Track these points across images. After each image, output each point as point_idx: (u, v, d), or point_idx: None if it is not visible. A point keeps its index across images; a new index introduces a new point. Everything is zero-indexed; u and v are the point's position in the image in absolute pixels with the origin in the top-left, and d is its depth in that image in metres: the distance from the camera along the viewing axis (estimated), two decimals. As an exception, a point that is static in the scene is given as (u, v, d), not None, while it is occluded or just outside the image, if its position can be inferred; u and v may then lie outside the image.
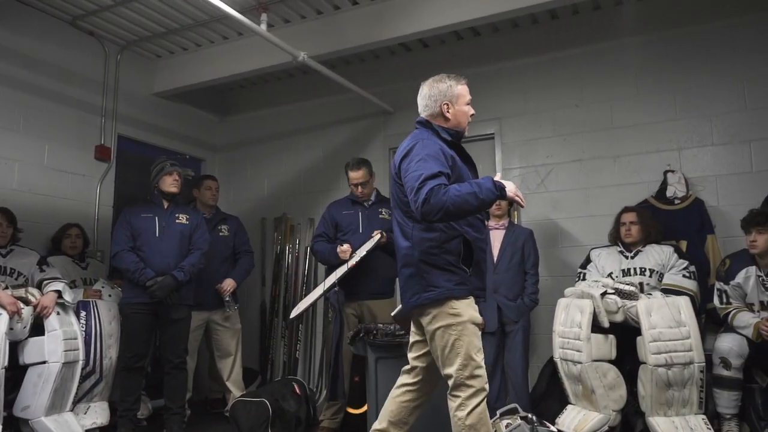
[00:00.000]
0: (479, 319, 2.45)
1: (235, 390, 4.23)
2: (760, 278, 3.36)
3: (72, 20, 4.51)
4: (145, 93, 5.22)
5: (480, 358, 2.42)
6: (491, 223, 3.97)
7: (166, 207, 3.87)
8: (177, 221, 3.85)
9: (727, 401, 3.29)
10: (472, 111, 2.64)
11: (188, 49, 5.08)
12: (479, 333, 2.45)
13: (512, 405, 3.37)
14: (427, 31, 4.22)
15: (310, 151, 5.51)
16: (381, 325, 3.17)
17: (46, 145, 4.35)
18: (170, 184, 3.83)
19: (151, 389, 4.23)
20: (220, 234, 4.42)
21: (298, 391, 3.95)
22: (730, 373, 3.27)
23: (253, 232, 5.46)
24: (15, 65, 4.17)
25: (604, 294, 3.41)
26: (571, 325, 3.46)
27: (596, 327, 3.39)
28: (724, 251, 3.78)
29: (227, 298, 4.30)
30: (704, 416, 3.22)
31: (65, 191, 4.46)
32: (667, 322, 3.24)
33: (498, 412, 3.37)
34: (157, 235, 3.77)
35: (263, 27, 3.96)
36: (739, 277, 3.40)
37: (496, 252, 3.91)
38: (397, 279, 3.98)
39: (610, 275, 3.71)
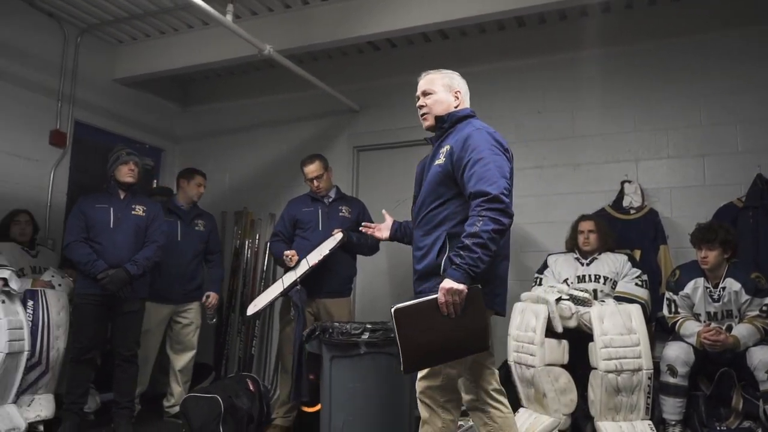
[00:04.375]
0: None
1: (183, 386, 4.18)
2: (708, 290, 3.47)
3: (31, 0, 4.36)
4: (106, 79, 5.08)
5: None
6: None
7: (122, 197, 3.77)
8: (133, 212, 3.75)
9: (672, 408, 3.38)
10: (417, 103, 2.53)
11: (151, 36, 4.96)
12: None
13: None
14: (395, 31, 4.22)
15: (273, 145, 5.45)
16: (337, 324, 3.15)
17: (-3, 127, 4.21)
18: (126, 173, 3.73)
19: (100, 382, 4.12)
20: (196, 228, 4.33)
21: (251, 387, 3.90)
22: (676, 380, 3.37)
23: (212, 225, 5.39)
24: (-33, 43, 4.02)
25: (558, 300, 3.47)
26: (525, 330, 3.50)
27: (550, 332, 3.44)
28: (676, 261, 3.88)
29: (210, 312, 4.38)
30: (650, 422, 3.30)
31: (16, 176, 4.31)
32: (618, 329, 3.31)
33: (452, 413, 3.40)
34: (111, 226, 3.67)
35: (229, 18, 3.89)
36: (688, 288, 3.50)
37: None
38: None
39: (565, 281, 3.77)
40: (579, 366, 3.49)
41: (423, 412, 2.32)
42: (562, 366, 3.43)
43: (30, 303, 3.67)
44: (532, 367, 3.41)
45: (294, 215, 3.88)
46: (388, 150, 5.03)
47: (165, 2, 4.38)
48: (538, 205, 4.43)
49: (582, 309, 3.46)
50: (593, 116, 4.37)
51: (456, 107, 2.46)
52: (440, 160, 2.35)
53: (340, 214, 3.86)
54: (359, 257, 4.02)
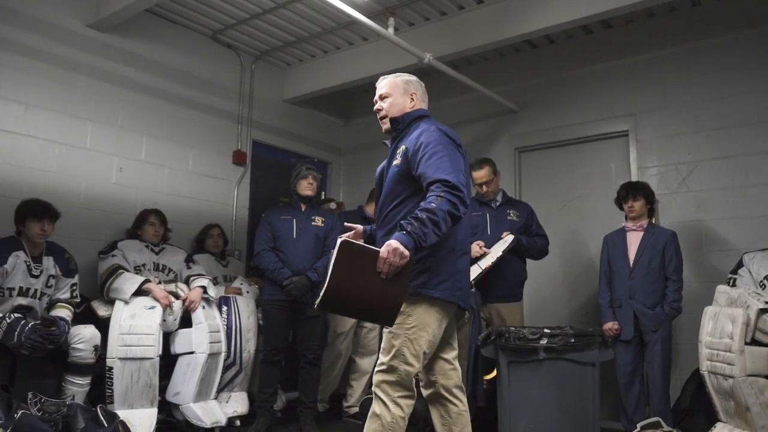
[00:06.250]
0: None
1: (364, 388, 4.36)
2: None
3: (213, 35, 4.84)
4: (277, 100, 5.48)
5: None
6: (628, 224, 3.77)
7: (303, 209, 4.04)
8: (313, 223, 4.01)
9: None
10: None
11: (315, 56, 5.27)
12: None
13: (655, 419, 3.18)
14: (555, 26, 4.07)
15: (432, 152, 5.50)
16: (513, 329, 3.10)
17: (191, 151, 4.70)
18: (305, 187, 3.99)
19: (284, 382, 4.43)
20: None
21: (424, 391, 3.96)
22: None
23: (376, 233, 5.57)
24: (164, 78, 4.54)
25: (765, 312, 3.11)
26: (720, 336, 3.19)
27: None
28: None
29: None
30: None
31: (207, 194, 4.79)
32: (839, 336, 2.90)
33: (639, 425, 3.21)
34: (294, 236, 3.95)
35: (390, 31, 4.03)
36: None
37: (632, 256, 3.70)
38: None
39: (766, 278, 3.38)
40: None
41: (374, 405, 2.31)
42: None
43: (224, 309, 4.06)
44: (731, 377, 3.08)
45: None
46: (551, 149, 4.87)
47: (328, 23, 4.64)
48: (724, 199, 4.03)
49: None
50: (788, 96, 3.89)
51: (412, 108, 2.53)
52: (397, 160, 2.41)
53: (508, 217, 3.81)
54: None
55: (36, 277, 3.33)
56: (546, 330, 3.00)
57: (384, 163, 2.59)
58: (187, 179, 4.65)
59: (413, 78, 2.62)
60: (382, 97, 2.59)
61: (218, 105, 4.93)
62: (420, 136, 2.35)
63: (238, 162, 5.02)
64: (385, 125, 2.57)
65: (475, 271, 3.51)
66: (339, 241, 2.04)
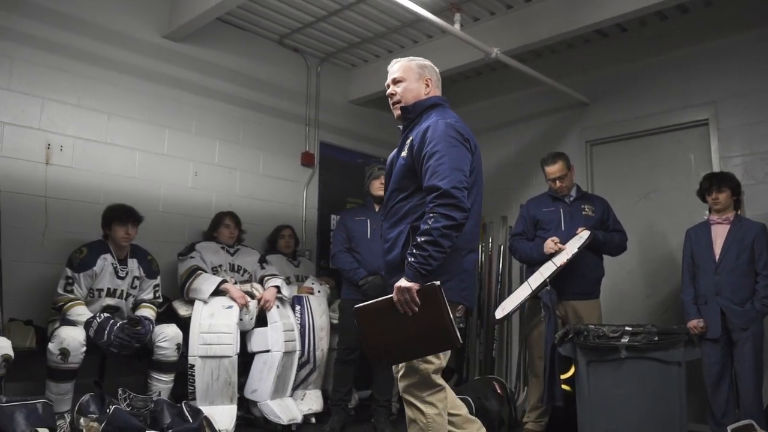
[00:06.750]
0: None
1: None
2: None
3: (279, 39, 4.94)
4: (342, 101, 5.54)
5: None
6: (713, 217, 3.59)
7: (377, 210, 4.06)
8: None
9: None
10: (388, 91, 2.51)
11: (380, 56, 5.28)
12: None
13: (747, 421, 3.02)
14: (628, 13, 3.92)
15: (501, 148, 5.42)
16: (592, 326, 3.01)
17: (261, 154, 4.81)
18: (377, 187, 4.01)
19: (355, 380, 4.45)
20: None
21: (499, 390, 3.91)
22: None
23: (444, 231, 5.52)
24: (234, 84, 4.67)
25: None
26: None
27: None
28: None
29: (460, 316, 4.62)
30: None
31: (278, 196, 4.89)
32: None
33: (729, 428, 3.05)
34: (368, 236, 3.98)
35: (457, 27, 3.99)
36: None
37: (718, 250, 3.52)
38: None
39: None
40: None
41: (407, 412, 2.27)
42: None
43: (297, 308, 4.13)
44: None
45: (534, 215, 3.81)
46: (625, 141, 4.71)
47: (393, 23, 4.64)
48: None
49: None
50: None
51: (426, 95, 2.43)
52: (404, 152, 2.36)
53: (583, 212, 3.70)
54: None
55: (122, 278, 3.49)
56: (627, 328, 2.90)
57: (394, 152, 2.51)
58: (258, 182, 4.77)
59: (428, 62, 2.51)
60: (395, 81, 2.46)
61: (286, 108, 5.02)
62: (426, 131, 2.28)
63: (307, 163, 5.10)
64: (397, 111, 2.46)
65: (549, 269, 3.43)
66: (353, 308, 2.17)
